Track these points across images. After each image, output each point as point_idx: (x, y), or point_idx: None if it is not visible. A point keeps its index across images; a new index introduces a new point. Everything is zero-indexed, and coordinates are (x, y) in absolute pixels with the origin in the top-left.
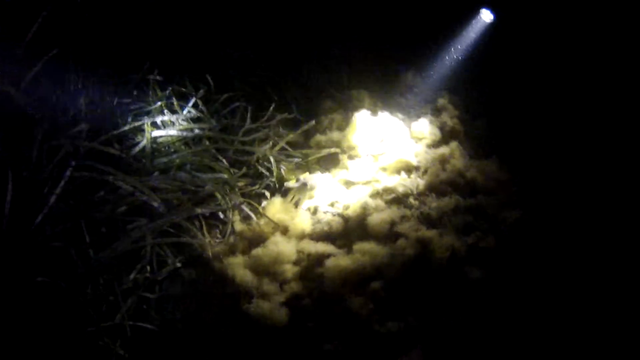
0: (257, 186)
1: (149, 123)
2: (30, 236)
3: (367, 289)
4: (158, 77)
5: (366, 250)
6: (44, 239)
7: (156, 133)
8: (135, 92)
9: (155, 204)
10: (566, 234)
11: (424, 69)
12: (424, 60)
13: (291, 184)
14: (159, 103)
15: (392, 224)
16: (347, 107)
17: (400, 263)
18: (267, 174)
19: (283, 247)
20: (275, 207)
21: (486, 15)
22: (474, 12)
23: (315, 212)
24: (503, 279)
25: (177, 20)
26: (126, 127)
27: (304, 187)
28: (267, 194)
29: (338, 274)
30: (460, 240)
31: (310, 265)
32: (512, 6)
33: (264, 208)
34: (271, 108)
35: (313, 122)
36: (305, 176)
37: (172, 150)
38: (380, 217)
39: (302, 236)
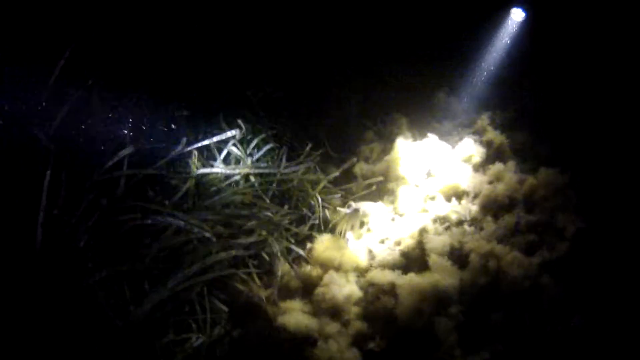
0: (304, 226)
1: (195, 161)
2: (64, 280)
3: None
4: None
5: (438, 272)
6: (80, 288)
7: (201, 171)
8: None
9: (208, 235)
10: (630, 239)
11: (457, 88)
12: (456, 78)
13: (342, 211)
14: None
15: (453, 251)
16: (384, 135)
17: (474, 285)
18: (310, 214)
19: (339, 285)
20: (324, 245)
21: (517, 15)
22: (504, 13)
23: (369, 242)
24: (581, 293)
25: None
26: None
27: (355, 213)
28: (314, 234)
29: (411, 295)
30: (528, 259)
31: (373, 299)
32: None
33: (312, 247)
34: (307, 148)
35: (355, 159)
36: (355, 203)
37: (215, 189)
38: (439, 244)
39: (357, 270)
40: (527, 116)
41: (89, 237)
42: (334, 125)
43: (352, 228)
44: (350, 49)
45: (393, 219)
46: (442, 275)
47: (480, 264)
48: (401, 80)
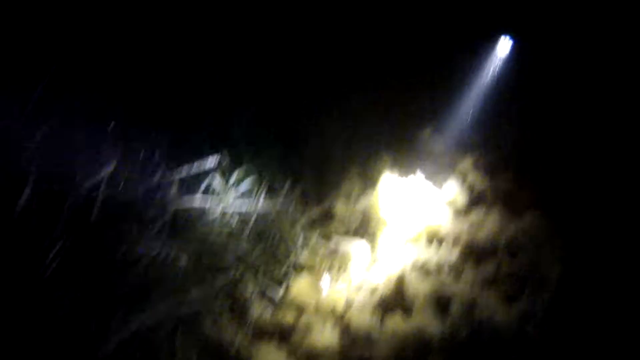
0: (280, 266)
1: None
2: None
3: None
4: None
5: (418, 319)
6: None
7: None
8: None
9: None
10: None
11: (442, 126)
12: (442, 115)
13: (322, 249)
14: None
15: (433, 297)
16: (367, 172)
17: (455, 334)
18: (288, 252)
19: (316, 331)
20: (300, 286)
21: (505, 45)
22: (491, 44)
23: (347, 285)
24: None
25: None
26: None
27: (335, 252)
28: (291, 274)
29: (390, 344)
30: (510, 306)
31: (350, 347)
32: (531, 31)
33: (288, 289)
34: (287, 185)
35: (334, 199)
36: (336, 241)
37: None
38: (419, 289)
39: (334, 314)
40: (512, 158)
41: (58, 266)
42: (316, 159)
43: (331, 267)
44: (335, 82)
45: (372, 261)
46: (422, 322)
47: (462, 312)
48: (385, 116)
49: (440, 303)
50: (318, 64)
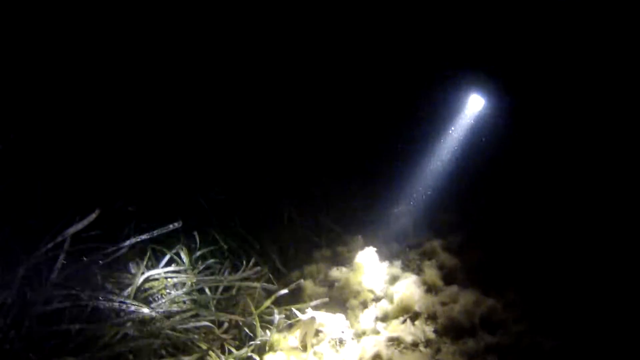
0: (245, 348)
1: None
2: None
3: None
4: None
5: None
6: None
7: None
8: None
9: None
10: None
11: (407, 208)
12: (407, 196)
13: (299, 315)
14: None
15: None
16: (335, 254)
17: None
18: (252, 334)
19: None
20: None
21: (476, 103)
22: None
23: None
24: None
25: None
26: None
27: (311, 321)
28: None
29: None
30: None
31: None
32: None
33: None
34: (252, 261)
35: (302, 281)
36: (311, 311)
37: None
38: None
39: None
40: (481, 238)
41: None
42: (284, 238)
43: (305, 337)
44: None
45: (343, 341)
46: None
47: None
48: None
49: None
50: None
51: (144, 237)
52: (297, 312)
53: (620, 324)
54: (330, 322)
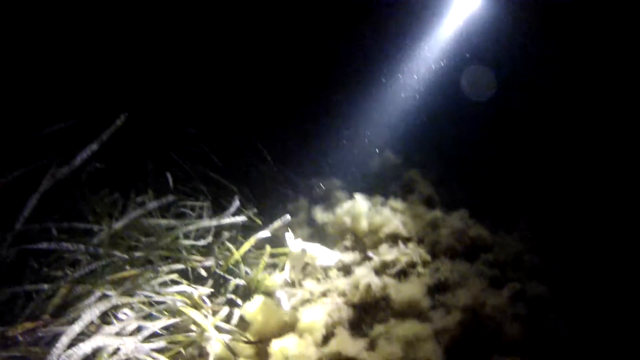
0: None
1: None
2: None
3: None
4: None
5: (407, 332)
6: None
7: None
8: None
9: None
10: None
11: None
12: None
13: (289, 245)
14: None
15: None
16: (313, 194)
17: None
18: (234, 279)
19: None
20: (257, 310)
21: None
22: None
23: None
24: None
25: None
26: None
27: (301, 253)
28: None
29: None
30: (501, 295)
31: None
32: None
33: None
34: (235, 203)
35: (288, 217)
36: (300, 242)
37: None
38: (400, 291)
39: (311, 335)
40: (458, 171)
41: None
42: (259, 183)
43: (294, 269)
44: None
45: (335, 270)
46: (412, 331)
47: (462, 307)
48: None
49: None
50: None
51: None
52: (288, 240)
53: (613, 242)
54: (321, 253)
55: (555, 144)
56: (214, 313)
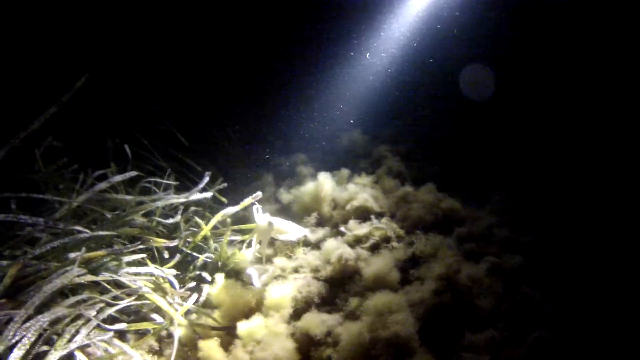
0: (190, 269)
1: None
2: None
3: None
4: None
5: (381, 304)
6: None
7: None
8: None
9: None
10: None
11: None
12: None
13: (255, 219)
14: None
15: (391, 268)
16: (278, 171)
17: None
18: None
19: (265, 343)
20: (223, 288)
21: None
22: None
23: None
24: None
25: None
26: None
27: (268, 228)
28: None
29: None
30: (479, 267)
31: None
32: None
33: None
34: (205, 179)
35: (259, 193)
36: (267, 216)
37: None
38: (373, 264)
39: (278, 312)
40: (428, 147)
41: None
42: (224, 162)
43: (260, 244)
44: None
45: (304, 245)
46: (386, 306)
47: (437, 277)
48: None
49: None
50: None
51: None
52: (255, 214)
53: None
54: (288, 227)
55: (526, 119)
56: (181, 297)
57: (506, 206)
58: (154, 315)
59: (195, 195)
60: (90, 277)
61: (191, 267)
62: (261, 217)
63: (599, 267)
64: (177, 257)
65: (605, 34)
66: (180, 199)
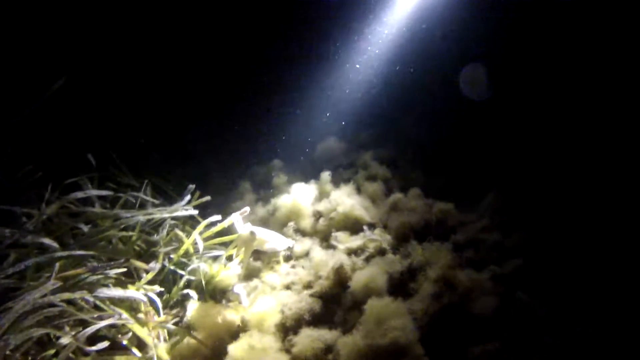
0: (175, 287)
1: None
2: None
3: None
4: None
5: (382, 315)
6: None
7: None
8: None
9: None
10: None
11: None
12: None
13: (237, 228)
14: None
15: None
16: (258, 183)
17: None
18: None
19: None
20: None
21: None
22: None
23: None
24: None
25: None
26: None
27: (250, 237)
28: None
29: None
30: (481, 275)
31: None
32: None
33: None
34: (187, 196)
35: (247, 208)
36: (250, 226)
37: None
38: (369, 277)
39: (266, 330)
40: (412, 153)
41: None
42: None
43: (244, 254)
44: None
45: (292, 259)
46: (384, 320)
47: (435, 287)
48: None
49: (401, 286)
50: None
51: None
52: (236, 223)
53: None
54: (273, 238)
55: (512, 121)
56: (161, 324)
57: (498, 208)
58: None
59: (180, 212)
60: (66, 296)
61: (175, 288)
62: (243, 227)
63: (599, 270)
64: (157, 268)
65: (603, 34)
66: (164, 214)
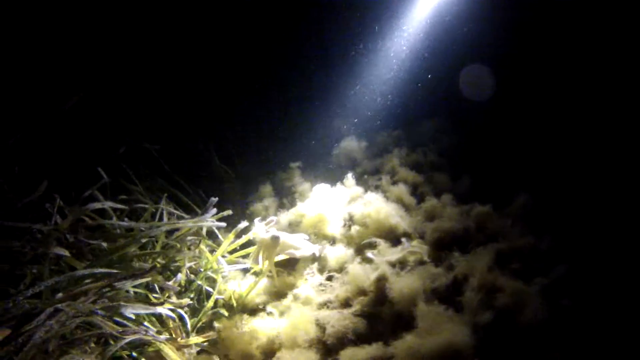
0: (204, 308)
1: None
2: None
3: None
4: None
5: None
6: None
7: None
8: None
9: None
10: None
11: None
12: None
13: (256, 235)
14: None
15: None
16: (278, 188)
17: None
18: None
19: None
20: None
21: None
22: None
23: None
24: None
25: None
26: None
27: (274, 241)
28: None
29: None
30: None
31: None
32: None
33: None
34: (212, 209)
35: (274, 218)
36: (273, 230)
37: None
38: (415, 289)
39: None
40: (441, 154)
41: None
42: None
43: (265, 259)
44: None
45: (325, 273)
46: (440, 330)
47: (481, 297)
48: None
49: (448, 298)
50: None
51: None
52: (257, 227)
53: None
54: (300, 243)
55: (536, 122)
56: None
57: (531, 211)
58: None
59: (207, 223)
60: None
61: (203, 310)
62: (264, 231)
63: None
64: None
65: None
66: (188, 223)
